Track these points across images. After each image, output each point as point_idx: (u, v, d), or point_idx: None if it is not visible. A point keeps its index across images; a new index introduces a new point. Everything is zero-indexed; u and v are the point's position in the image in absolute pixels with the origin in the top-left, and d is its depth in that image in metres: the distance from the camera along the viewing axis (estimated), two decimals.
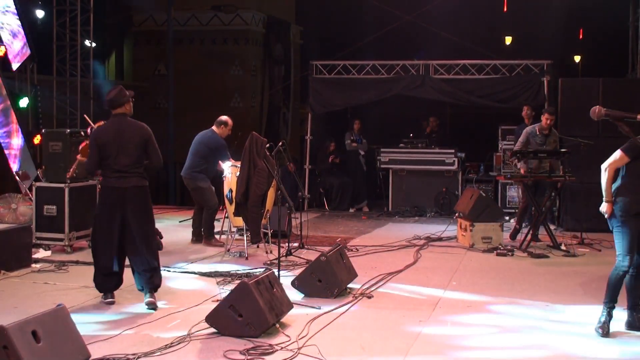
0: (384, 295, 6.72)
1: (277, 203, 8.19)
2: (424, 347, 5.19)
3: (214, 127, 9.24)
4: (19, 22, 11.26)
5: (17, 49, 11.39)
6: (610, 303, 5.61)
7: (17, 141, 11.06)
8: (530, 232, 9.25)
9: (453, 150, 12.62)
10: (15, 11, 11.22)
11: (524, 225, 10.25)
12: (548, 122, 9.49)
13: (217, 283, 7.05)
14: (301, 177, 13.39)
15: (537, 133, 9.50)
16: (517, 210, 11.43)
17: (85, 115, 8.62)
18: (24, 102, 11.84)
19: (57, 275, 7.39)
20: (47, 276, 7.32)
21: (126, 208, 6.14)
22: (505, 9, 16.15)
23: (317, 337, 5.33)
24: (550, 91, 12.24)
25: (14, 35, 11.31)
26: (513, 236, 9.61)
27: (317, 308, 6.11)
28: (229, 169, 8.58)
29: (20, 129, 11.17)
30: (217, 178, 9.08)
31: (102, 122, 7.06)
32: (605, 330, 5.51)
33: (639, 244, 5.50)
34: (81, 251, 8.65)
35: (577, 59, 18.09)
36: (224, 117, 9.30)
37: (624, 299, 5.75)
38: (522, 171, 9.40)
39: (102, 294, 6.31)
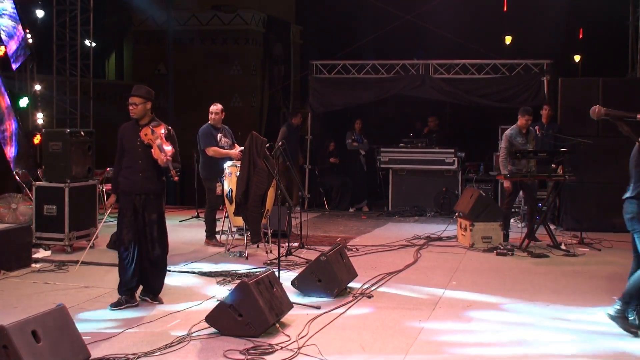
0: (384, 295, 6.72)
1: (277, 203, 8.20)
2: (424, 347, 5.19)
3: None
4: (14, 24, 11.26)
5: (12, 50, 11.39)
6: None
7: (11, 150, 11.06)
8: (527, 231, 9.24)
9: (453, 150, 12.61)
10: (12, 13, 11.21)
11: (523, 225, 10.27)
12: (528, 122, 9.46)
13: (217, 283, 7.06)
14: (301, 177, 13.39)
15: (520, 134, 9.47)
16: (516, 210, 11.46)
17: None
18: (24, 102, 11.84)
19: (57, 275, 7.39)
20: (47, 276, 7.32)
21: None
22: (505, 9, 16.15)
23: (317, 337, 5.33)
24: (550, 91, 12.24)
25: (10, 36, 11.32)
26: (503, 241, 9.55)
27: (317, 308, 6.11)
28: (229, 169, 8.59)
29: (16, 138, 11.13)
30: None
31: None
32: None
33: None
34: (81, 251, 8.64)
35: (577, 58, 18.09)
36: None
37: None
38: (503, 178, 9.42)
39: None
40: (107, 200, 6.41)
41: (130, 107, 6.27)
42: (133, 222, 6.20)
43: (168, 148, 6.16)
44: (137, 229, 6.21)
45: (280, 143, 8.46)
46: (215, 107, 9.20)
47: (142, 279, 6.30)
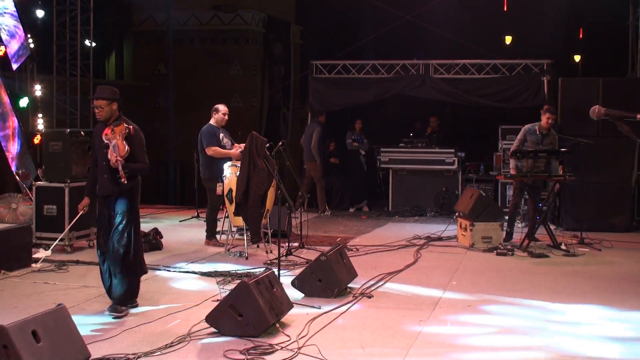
0: (384, 295, 6.72)
1: (277, 203, 8.19)
2: (424, 347, 5.19)
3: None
4: (15, 23, 11.26)
5: (14, 50, 11.38)
6: None
7: (14, 147, 11.05)
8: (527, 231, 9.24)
9: (453, 150, 12.61)
10: (13, 12, 11.21)
11: (523, 225, 10.26)
12: (550, 122, 9.42)
13: (217, 283, 7.06)
14: (301, 177, 13.38)
15: (536, 132, 9.44)
16: (517, 210, 11.44)
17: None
18: (24, 102, 11.85)
19: (57, 275, 7.38)
20: (47, 276, 7.32)
21: None
22: (505, 9, 16.16)
23: (317, 337, 5.33)
24: (550, 91, 12.24)
25: (12, 36, 11.31)
26: (507, 240, 9.55)
27: (317, 308, 6.11)
28: (229, 169, 8.58)
29: (18, 134, 11.13)
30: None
31: None
32: None
33: None
34: (81, 251, 8.66)
35: (577, 58, 18.10)
36: (217, 104, 9.29)
37: (626, 299, 5.76)
38: (511, 171, 9.39)
39: (130, 303, 6.12)
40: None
41: (96, 111, 6.07)
42: (107, 225, 6.03)
43: (123, 149, 5.88)
44: (109, 233, 6.02)
45: (280, 143, 8.43)
46: (226, 109, 9.19)
47: None
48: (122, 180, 5.86)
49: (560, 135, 10.08)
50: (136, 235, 6.14)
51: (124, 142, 5.93)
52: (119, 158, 5.86)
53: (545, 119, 9.35)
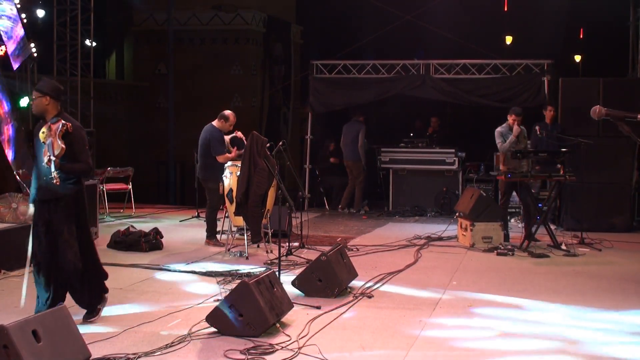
0: (384, 295, 6.72)
1: (277, 202, 8.20)
2: (424, 347, 5.19)
3: (214, 121, 9.25)
4: (12, 25, 11.24)
5: (10, 50, 11.37)
6: None
7: (8, 153, 11.01)
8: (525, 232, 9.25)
9: (453, 150, 12.63)
10: (11, 14, 11.18)
11: (523, 225, 10.26)
12: (515, 123, 9.55)
13: (217, 283, 7.06)
14: (301, 177, 13.39)
15: (509, 132, 9.59)
16: (517, 210, 11.47)
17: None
18: (24, 102, 11.84)
19: None
20: None
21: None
22: (505, 9, 16.17)
23: (317, 337, 5.33)
24: (550, 91, 12.24)
25: (9, 37, 11.30)
26: (505, 241, 9.54)
27: (317, 308, 6.11)
28: (229, 169, 8.58)
29: (13, 143, 11.05)
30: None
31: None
32: None
33: None
34: None
35: (578, 58, 18.10)
36: (226, 112, 9.30)
37: (627, 299, 5.75)
38: (503, 178, 9.48)
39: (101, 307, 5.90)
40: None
41: (32, 103, 5.77)
42: (44, 232, 5.60)
43: (57, 147, 5.43)
44: (49, 241, 5.59)
45: (281, 143, 8.43)
46: (234, 120, 9.24)
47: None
48: (55, 181, 5.44)
49: (560, 135, 10.10)
50: (87, 243, 5.78)
51: (61, 140, 5.46)
52: (52, 157, 5.43)
53: (510, 119, 9.58)
